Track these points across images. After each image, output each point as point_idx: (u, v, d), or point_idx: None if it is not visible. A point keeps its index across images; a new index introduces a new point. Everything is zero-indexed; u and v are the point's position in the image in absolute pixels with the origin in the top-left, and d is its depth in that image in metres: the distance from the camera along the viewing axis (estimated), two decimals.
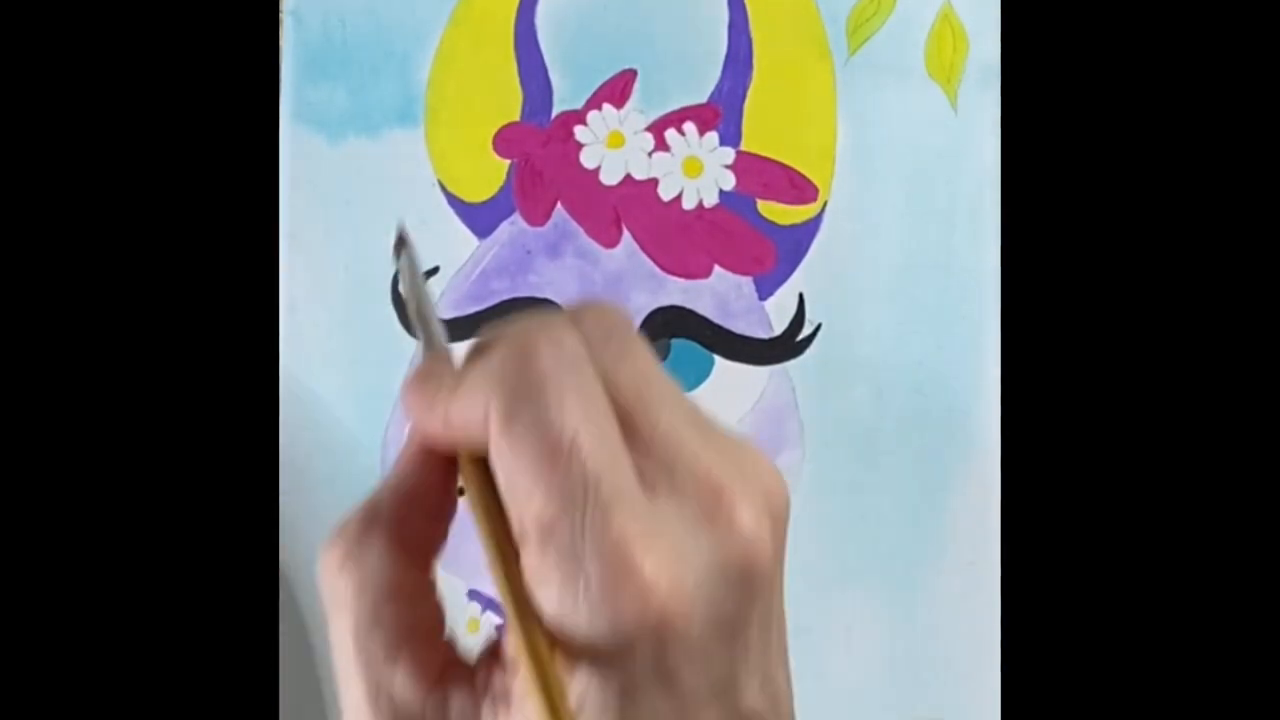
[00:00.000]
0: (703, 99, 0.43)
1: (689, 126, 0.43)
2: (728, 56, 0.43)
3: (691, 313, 0.43)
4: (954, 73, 0.44)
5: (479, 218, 0.43)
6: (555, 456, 0.21)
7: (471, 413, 0.22)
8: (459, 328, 0.43)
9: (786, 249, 0.43)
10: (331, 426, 0.43)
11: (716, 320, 0.43)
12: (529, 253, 0.43)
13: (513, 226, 0.43)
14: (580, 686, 0.21)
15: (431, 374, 0.24)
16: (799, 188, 0.43)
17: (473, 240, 0.43)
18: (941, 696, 0.44)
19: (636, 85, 0.43)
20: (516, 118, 0.43)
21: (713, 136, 0.43)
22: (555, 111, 0.43)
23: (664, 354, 0.43)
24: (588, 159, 0.43)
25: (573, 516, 0.21)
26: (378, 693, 0.23)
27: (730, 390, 0.43)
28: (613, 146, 0.43)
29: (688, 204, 0.43)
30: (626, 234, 0.43)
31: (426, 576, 0.24)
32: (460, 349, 0.41)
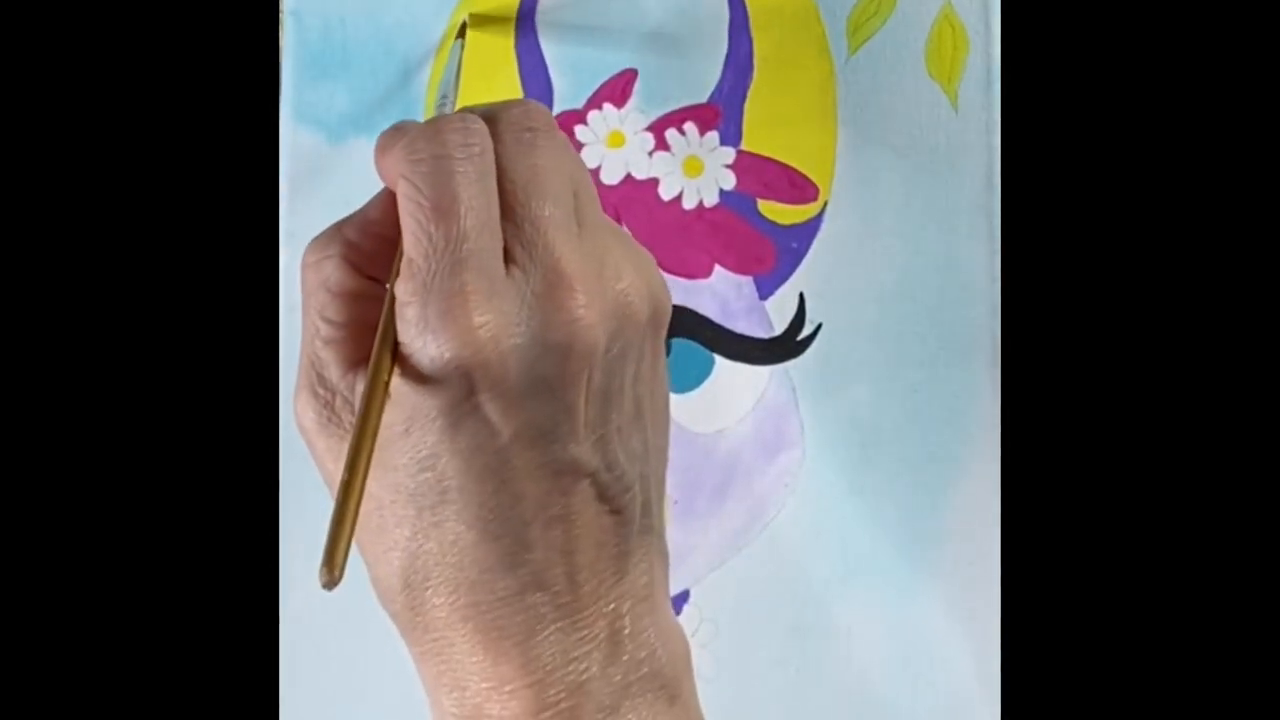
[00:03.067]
0: (703, 99, 0.43)
1: (689, 126, 0.43)
2: (728, 56, 0.43)
3: (691, 312, 0.43)
4: (954, 73, 0.44)
5: None
6: (434, 214, 0.27)
7: (389, 171, 0.29)
8: None
9: (787, 249, 0.43)
10: None
11: (717, 320, 0.43)
12: None
13: None
14: (412, 400, 0.27)
15: (401, 130, 0.29)
16: (799, 187, 0.43)
17: None
18: (941, 696, 0.44)
19: (636, 85, 0.43)
20: None
21: (713, 136, 0.43)
22: (555, 111, 0.43)
23: (664, 354, 0.43)
24: (588, 158, 0.43)
25: (430, 261, 0.26)
26: (311, 366, 0.29)
27: (730, 390, 0.43)
28: (613, 146, 0.43)
29: (688, 204, 0.43)
30: (627, 233, 0.43)
31: (374, 286, 0.29)
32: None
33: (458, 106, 0.35)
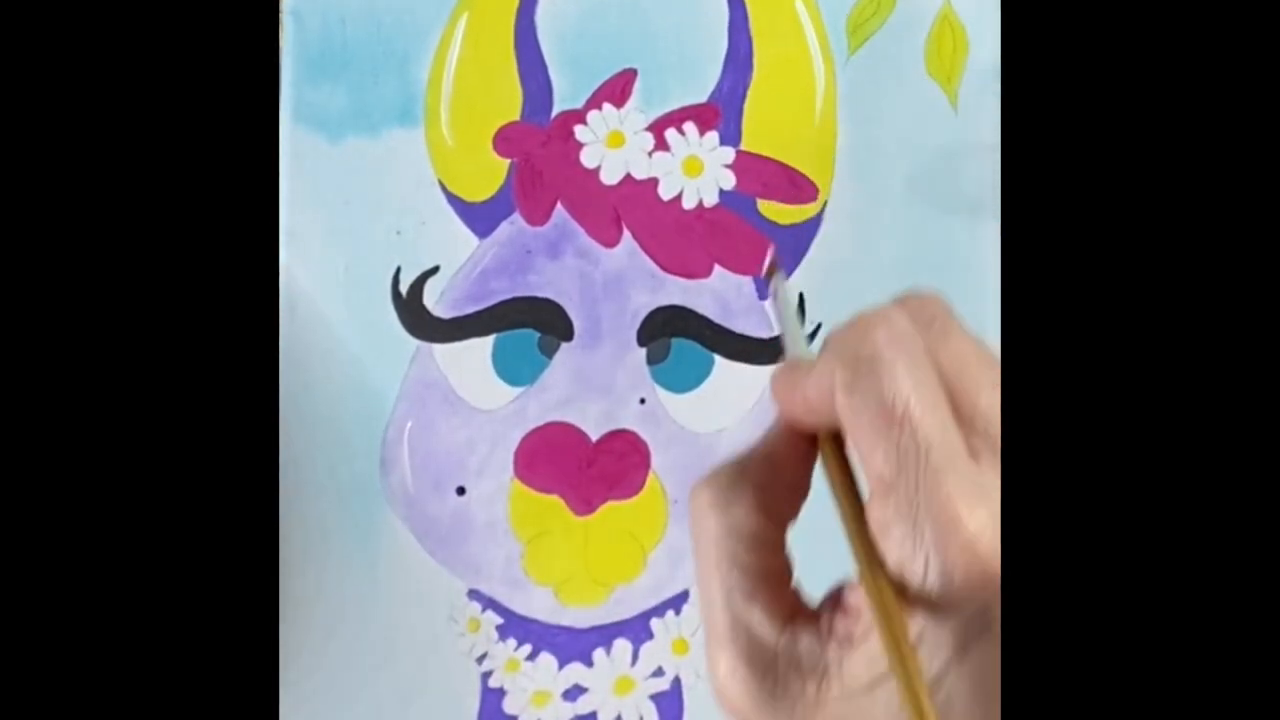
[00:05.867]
0: (703, 99, 0.43)
1: (689, 126, 0.43)
2: (728, 56, 0.43)
3: (691, 312, 0.43)
4: (954, 73, 0.44)
5: (479, 217, 0.43)
6: (891, 422, 0.24)
7: (822, 389, 0.26)
8: (458, 327, 0.43)
9: (786, 249, 0.43)
10: (331, 426, 0.43)
11: (716, 320, 0.43)
12: (529, 252, 0.43)
13: (512, 226, 0.43)
14: (918, 627, 0.24)
15: (794, 366, 0.27)
16: (799, 187, 0.43)
17: (473, 240, 0.43)
18: None
19: (636, 85, 0.43)
20: (516, 117, 0.43)
21: (713, 136, 0.43)
22: (555, 111, 0.43)
23: (664, 354, 0.43)
24: (588, 158, 0.43)
25: (908, 475, 0.24)
26: (736, 626, 0.26)
27: (730, 390, 0.43)
28: (613, 146, 0.43)
29: (688, 203, 0.43)
30: (626, 233, 0.43)
31: (781, 534, 0.27)
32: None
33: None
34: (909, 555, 0.24)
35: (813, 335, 0.43)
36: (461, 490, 0.43)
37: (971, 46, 0.44)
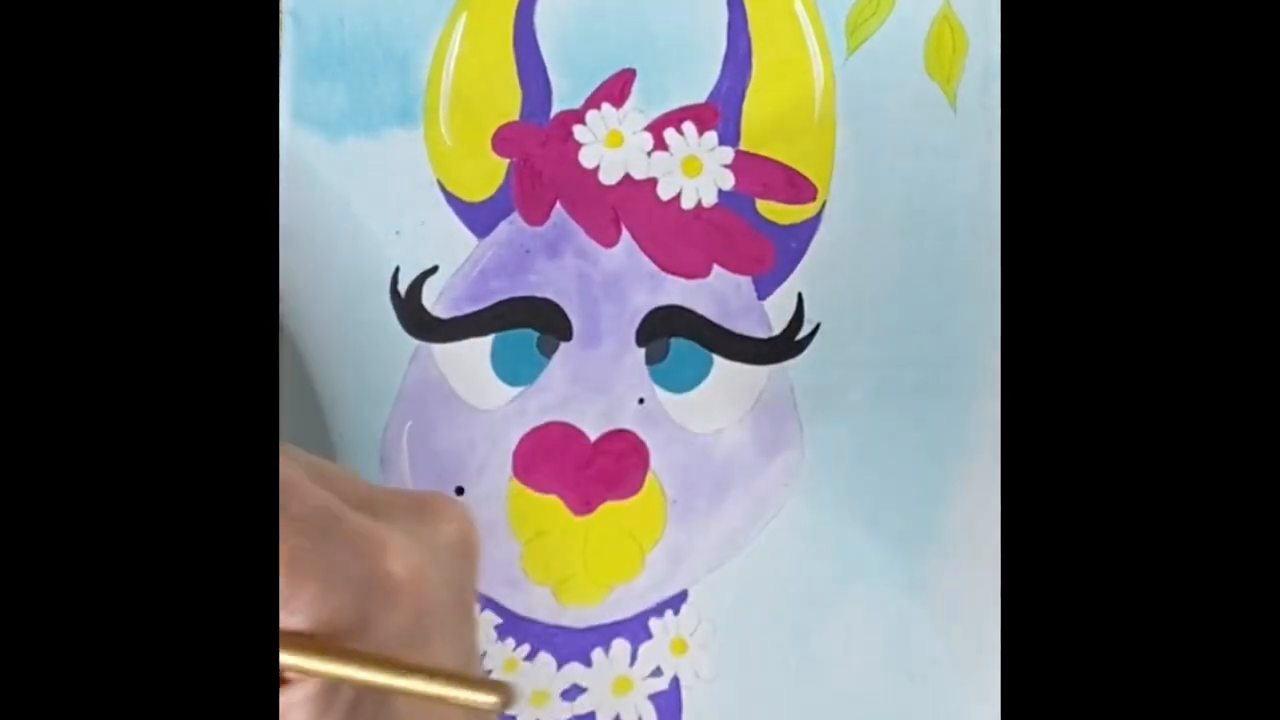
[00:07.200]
0: (702, 98, 0.43)
1: (688, 126, 0.43)
2: (727, 56, 0.43)
3: (690, 312, 0.43)
4: (954, 73, 0.44)
5: (478, 217, 0.43)
6: None
7: None
8: (457, 327, 0.43)
9: (785, 248, 0.43)
10: (331, 426, 0.43)
11: (715, 320, 0.43)
12: (528, 252, 0.43)
13: (511, 226, 0.43)
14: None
15: None
16: (798, 187, 0.43)
17: (472, 239, 0.43)
18: (941, 696, 0.44)
19: (636, 85, 0.43)
20: (516, 117, 0.43)
21: (712, 136, 0.43)
22: (554, 111, 0.43)
23: (663, 354, 0.43)
24: (587, 158, 0.43)
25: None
26: None
27: (729, 390, 0.43)
28: (611, 146, 0.43)
29: (686, 203, 0.43)
30: (625, 233, 0.43)
31: None
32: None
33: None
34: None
35: (811, 335, 0.43)
36: (460, 490, 0.43)
37: (971, 46, 0.44)
